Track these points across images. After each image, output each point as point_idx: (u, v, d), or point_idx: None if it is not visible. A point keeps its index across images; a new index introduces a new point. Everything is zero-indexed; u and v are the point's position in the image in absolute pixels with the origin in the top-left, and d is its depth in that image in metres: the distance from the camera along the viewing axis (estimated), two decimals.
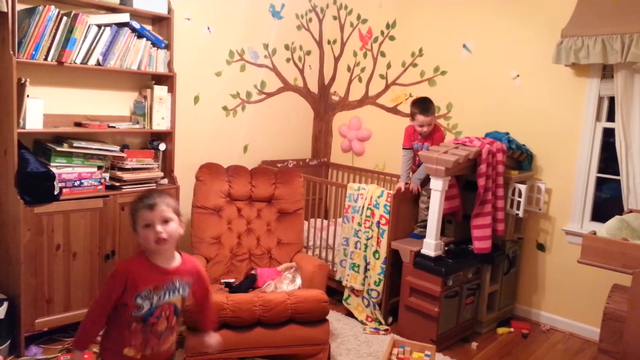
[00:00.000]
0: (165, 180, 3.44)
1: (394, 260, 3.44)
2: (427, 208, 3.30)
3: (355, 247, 3.56)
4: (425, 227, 3.34)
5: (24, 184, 2.71)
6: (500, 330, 3.53)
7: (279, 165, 4.35)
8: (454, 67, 4.04)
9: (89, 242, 2.97)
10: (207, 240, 3.24)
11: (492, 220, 3.31)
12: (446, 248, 3.30)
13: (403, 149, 3.65)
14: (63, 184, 2.87)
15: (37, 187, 2.74)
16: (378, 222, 3.47)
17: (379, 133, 4.57)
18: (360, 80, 4.68)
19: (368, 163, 4.62)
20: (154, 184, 3.33)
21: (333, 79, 4.87)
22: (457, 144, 3.30)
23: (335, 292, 3.71)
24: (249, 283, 3.08)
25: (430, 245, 3.19)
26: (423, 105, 3.44)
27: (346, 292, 3.62)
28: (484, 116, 3.89)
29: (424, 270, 3.18)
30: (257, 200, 3.47)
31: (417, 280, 3.22)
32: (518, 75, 3.73)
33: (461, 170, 3.24)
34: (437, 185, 3.15)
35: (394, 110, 4.46)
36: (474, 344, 3.30)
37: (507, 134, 3.60)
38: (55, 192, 2.80)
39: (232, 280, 3.14)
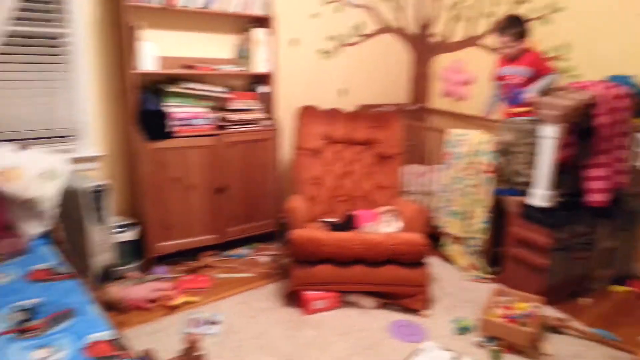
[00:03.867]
0: (267, 122, 3.53)
1: (498, 208, 3.33)
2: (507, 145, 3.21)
3: (456, 195, 3.48)
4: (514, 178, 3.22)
5: (142, 121, 2.92)
6: (616, 288, 3.30)
7: (376, 109, 4.29)
8: (574, 1, 3.66)
9: (203, 176, 3.17)
10: (308, 180, 3.32)
11: (611, 172, 3.06)
12: (558, 199, 3.12)
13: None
14: (177, 123, 3.05)
15: (154, 124, 2.94)
16: (482, 170, 3.35)
17: (484, 76, 4.32)
18: (464, 19, 4.41)
19: (470, 108, 4.42)
20: (258, 125, 3.44)
21: (435, 18, 4.64)
22: (575, 87, 3.05)
23: (434, 237, 3.68)
24: (348, 223, 3.14)
25: (540, 196, 3.04)
26: (502, 22, 3.17)
27: (445, 239, 3.59)
28: (607, 58, 3.51)
29: (532, 221, 3.04)
30: (356, 143, 3.47)
31: (524, 231, 3.09)
32: None
33: (578, 117, 3.00)
34: (550, 132, 2.95)
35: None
36: (585, 300, 3.14)
37: (634, 77, 3.25)
38: (168, 130, 2.99)
39: (332, 219, 3.22)
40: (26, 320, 1.82)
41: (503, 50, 3.15)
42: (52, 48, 2.83)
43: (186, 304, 2.76)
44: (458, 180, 3.47)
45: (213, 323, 2.60)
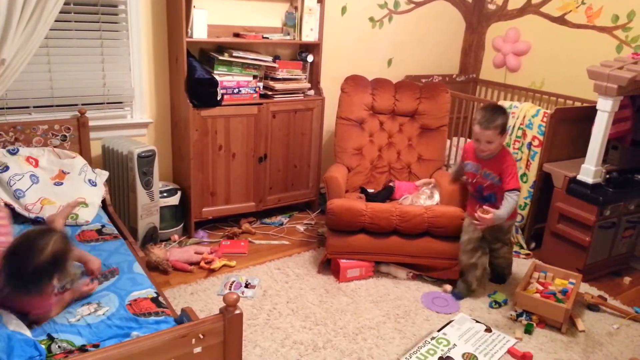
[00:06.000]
0: (311, 92, 3.55)
1: (543, 184, 3.23)
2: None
3: None
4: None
5: (192, 88, 3.01)
6: None
7: (423, 80, 4.20)
8: None
9: (245, 145, 3.26)
10: (349, 150, 3.34)
11: None
12: (607, 176, 2.98)
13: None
14: (224, 91, 3.12)
15: (203, 92, 3.02)
16: (530, 144, 3.24)
17: (540, 46, 4.12)
18: None
19: (523, 80, 4.24)
20: (302, 95, 3.46)
21: None
22: (637, 58, 2.86)
23: None
24: (386, 194, 3.15)
25: (589, 171, 2.92)
26: (486, 113, 2.56)
27: None
28: None
29: (578, 197, 2.94)
30: (400, 114, 3.44)
31: (569, 207, 3.00)
32: None
33: (638, 90, 2.82)
34: (605, 106, 2.81)
35: (560, 20, 3.94)
36: (627, 279, 3.05)
37: None
38: (218, 98, 3.07)
39: (371, 190, 3.24)
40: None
41: (482, 146, 2.59)
42: (107, 15, 2.93)
43: (224, 267, 2.89)
44: None
45: (249, 286, 2.72)
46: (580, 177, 2.97)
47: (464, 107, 3.87)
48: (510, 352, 2.35)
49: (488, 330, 2.50)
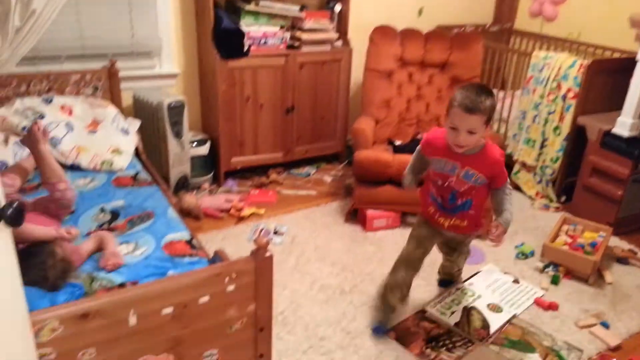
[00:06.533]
0: (339, 42, 3.48)
1: (576, 137, 3.15)
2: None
3: (533, 121, 3.33)
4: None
5: (219, 39, 2.99)
6: None
7: (456, 30, 4.06)
8: None
9: (272, 96, 3.25)
10: (377, 102, 3.30)
11: None
12: None
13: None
14: (251, 42, 3.10)
15: (230, 42, 3.00)
16: (564, 96, 3.14)
17: None
18: None
19: (560, 30, 4.06)
20: (329, 45, 3.40)
21: None
22: None
23: (507, 166, 3.58)
24: (414, 146, 3.11)
25: (625, 124, 2.83)
26: (469, 93, 1.84)
27: (516, 167, 3.48)
28: None
29: (612, 150, 2.88)
30: (429, 65, 3.36)
31: (602, 160, 2.94)
32: None
33: None
34: None
35: None
36: None
37: None
38: (245, 49, 3.05)
39: (399, 142, 3.22)
40: (111, 220, 2.05)
41: (461, 137, 1.87)
42: None
43: (253, 215, 2.96)
44: (537, 106, 3.29)
45: (278, 233, 2.79)
46: (615, 130, 2.88)
47: (497, 58, 3.75)
48: (536, 302, 2.37)
49: (516, 281, 2.51)
